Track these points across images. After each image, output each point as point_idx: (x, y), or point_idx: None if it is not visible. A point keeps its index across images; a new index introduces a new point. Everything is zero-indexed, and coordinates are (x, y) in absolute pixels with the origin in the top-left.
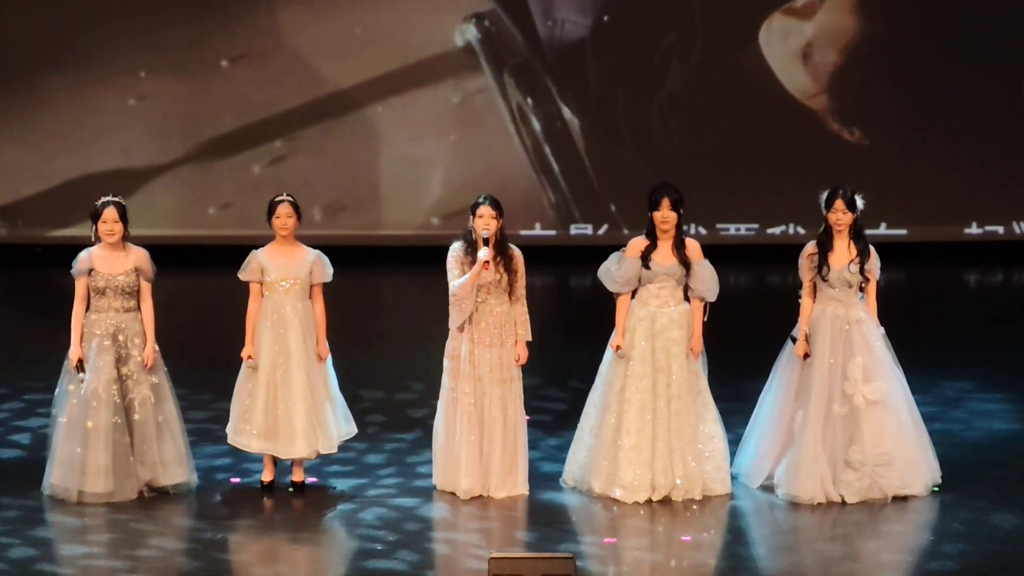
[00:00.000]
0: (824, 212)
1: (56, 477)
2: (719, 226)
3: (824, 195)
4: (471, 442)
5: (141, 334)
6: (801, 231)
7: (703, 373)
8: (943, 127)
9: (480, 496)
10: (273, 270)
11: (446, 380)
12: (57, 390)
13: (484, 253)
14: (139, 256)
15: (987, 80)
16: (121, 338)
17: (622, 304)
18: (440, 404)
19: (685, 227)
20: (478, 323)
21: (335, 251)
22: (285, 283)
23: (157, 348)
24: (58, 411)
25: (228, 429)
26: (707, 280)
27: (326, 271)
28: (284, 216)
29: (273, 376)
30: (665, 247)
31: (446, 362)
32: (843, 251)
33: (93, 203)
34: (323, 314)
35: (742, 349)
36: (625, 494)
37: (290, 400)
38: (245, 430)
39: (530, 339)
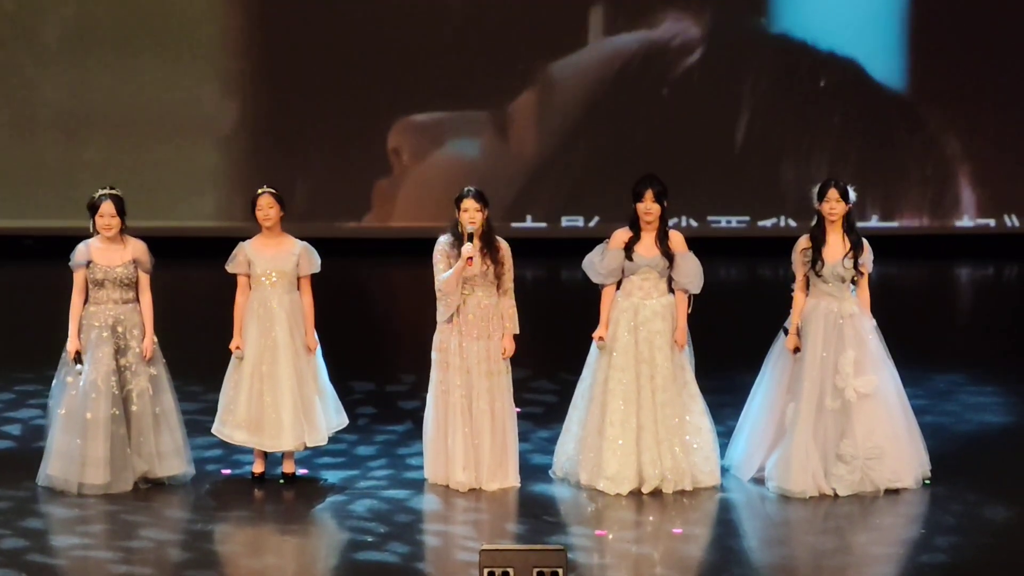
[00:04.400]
0: (817, 204)
1: (55, 469)
2: (710, 219)
3: (817, 187)
4: (465, 435)
5: (140, 326)
6: (792, 223)
7: (689, 365)
8: (934, 120)
9: (471, 488)
10: (259, 263)
11: (435, 373)
12: (54, 382)
13: (467, 249)
14: (137, 248)
15: (978, 73)
16: (120, 330)
17: (606, 296)
18: (429, 397)
19: (676, 219)
20: (466, 316)
21: (330, 243)
22: (272, 275)
23: (156, 340)
24: (55, 403)
25: (215, 420)
26: (690, 272)
27: (313, 262)
28: (266, 207)
29: (259, 369)
30: (648, 239)
31: (435, 355)
32: (837, 244)
33: (90, 195)
34: (311, 306)
35: (734, 342)
36: (609, 485)
37: (277, 392)
38: (229, 421)
39: (517, 332)
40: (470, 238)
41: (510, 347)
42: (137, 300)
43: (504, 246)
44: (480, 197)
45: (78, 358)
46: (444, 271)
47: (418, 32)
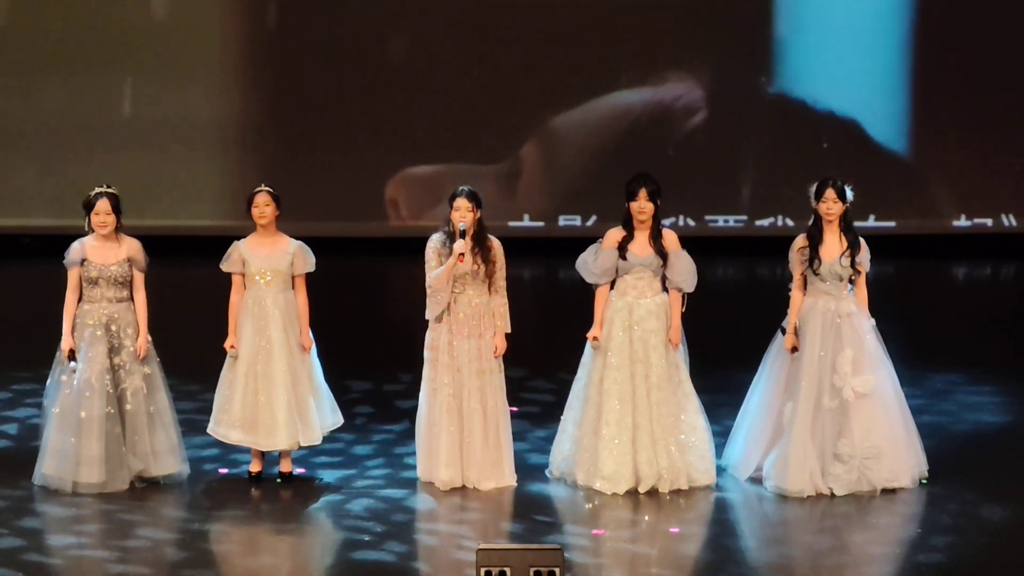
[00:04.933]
0: (814, 203)
1: (49, 468)
2: (708, 218)
3: (814, 186)
4: (451, 433)
5: (134, 324)
6: (790, 223)
7: (684, 364)
8: (930, 119)
9: (461, 487)
10: (254, 261)
11: (427, 372)
12: (49, 381)
13: (459, 246)
14: (132, 246)
15: (975, 72)
16: (114, 328)
17: (600, 295)
18: (422, 396)
19: (674, 219)
20: (457, 314)
21: (327, 242)
22: (267, 274)
23: (150, 338)
24: (50, 402)
25: (210, 420)
26: (684, 271)
27: (308, 261)
28: (262, 205)
29: (253, 368)
30: (642, 238)
31: (427, 353)
32: (834, 243)
33: (87, 192)
34: (306, 304)
35: (731, 341)
36: (606, 485)
37: (272, 392)
38: (224, 420)
39: (509, 331)
40: (462, 235)
41: (501, 345)
42: (131, 299)
43: (496, 244)
44: (473, 197)
45: (72, 356)
46: (435, 268)
47: (419, 84)
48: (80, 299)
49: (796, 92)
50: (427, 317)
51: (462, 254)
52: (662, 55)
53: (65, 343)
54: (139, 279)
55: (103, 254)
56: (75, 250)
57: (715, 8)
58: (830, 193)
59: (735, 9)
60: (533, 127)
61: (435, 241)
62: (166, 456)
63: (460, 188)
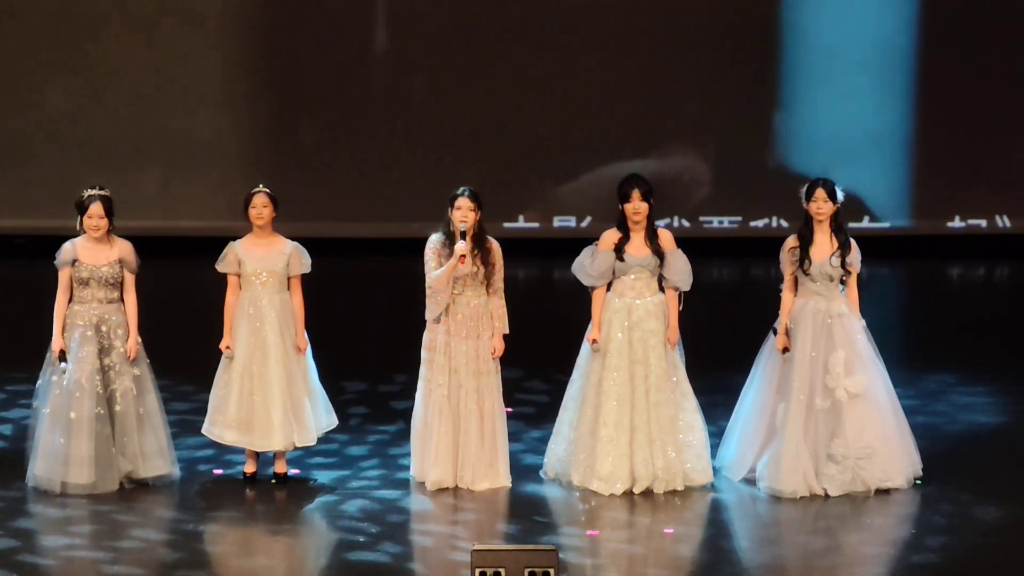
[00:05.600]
0: (804, 203)
1: (39, 468)
2: (702, 219)
3: (805, 186)
4: (442, 434)
5: (124, 325)
6: (784, 224)
7: (681, 363)
8: (924, 120)
9: (450, 488)
10: (250, 262)
11: (424, 372)
12: (39, 381)
13: (460, 247)
14: (123, 248)
15: (968, 74)
16: (104, 329)
17: (597, 297)
18: (418, 396)
19: (669, 219)
20: (455, 315)
21: (324, 243)
22: (263, 275)
23: (140, 340)
24: (41, 402)
25: (205, 420)
26: (681, 270)
27: (303, 262)
28: (260, 206)
29: (249, 369)
30: (638, 238)
31: (424, 354)
32: (824, 244)
33: (79, 193)
34: (301, 306)
35: (725, 342)
36: (603, 486)
37: (267, 392)
38: (219, 421)
39: (507, 332)
40: (463, 236)
41: (500, 347)
42: (122, 300)
43: (495, 246)
44: (475, 197)
45: (63, 356)
46: (435, 269)
47: (421, 147)
48: (71, 300)
49: (796, 164)
50: (426, 318)
51: (463, 256)
52: (666, 127)
53: (56, 344)
54: (130, 280)
55: (94, 255)
56: (66, 251)
57: (719, 82)
58: (820, 193)
59: (739, 81)
60: (536, 194)
61: (435, 241)
62: (155, 458)
63: (462, 188)
